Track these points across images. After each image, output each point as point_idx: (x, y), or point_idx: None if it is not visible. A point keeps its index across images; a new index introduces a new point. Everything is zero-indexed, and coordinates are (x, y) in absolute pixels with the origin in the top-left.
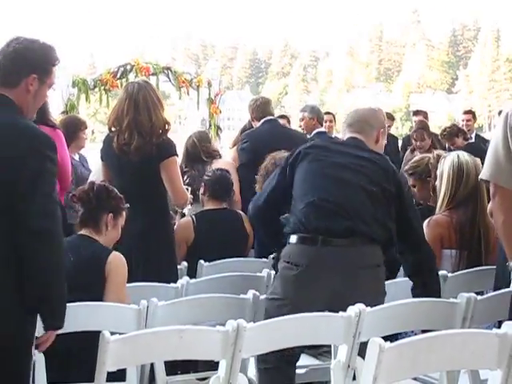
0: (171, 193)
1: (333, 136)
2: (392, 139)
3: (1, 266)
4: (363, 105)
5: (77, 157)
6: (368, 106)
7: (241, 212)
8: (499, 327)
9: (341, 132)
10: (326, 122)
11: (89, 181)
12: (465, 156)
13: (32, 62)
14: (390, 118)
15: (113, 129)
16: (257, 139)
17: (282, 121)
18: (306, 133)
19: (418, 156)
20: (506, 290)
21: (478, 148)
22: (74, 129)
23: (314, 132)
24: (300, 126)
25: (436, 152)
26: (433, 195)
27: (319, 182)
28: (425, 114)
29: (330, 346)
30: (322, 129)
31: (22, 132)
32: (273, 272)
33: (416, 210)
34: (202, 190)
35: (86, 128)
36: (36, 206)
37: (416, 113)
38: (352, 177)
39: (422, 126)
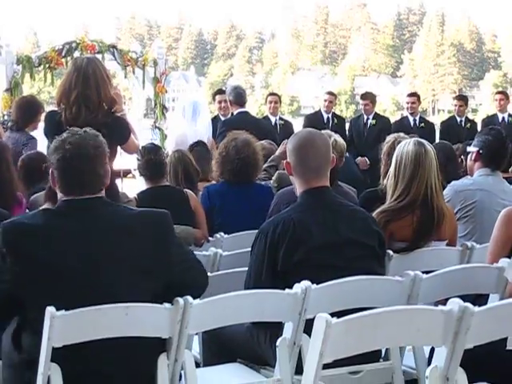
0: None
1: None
2: (340, 120)
3: None
4: None
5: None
6: None
7: (187, 190)
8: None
9: None
10: (270, 103)
11: None
12: (409, 146)
13: None
14: (331, 94)
15: (62, 105)
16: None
17: (219, 97)
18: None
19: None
20: (452, 268)
21: None
22: (35, 112)
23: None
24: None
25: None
26: (382, 181)
27: None
28: (372, 98)
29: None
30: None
31: None
32: (220, 250)
33: None
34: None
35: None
36: None
37: (364, 96)
38: None
39: None
